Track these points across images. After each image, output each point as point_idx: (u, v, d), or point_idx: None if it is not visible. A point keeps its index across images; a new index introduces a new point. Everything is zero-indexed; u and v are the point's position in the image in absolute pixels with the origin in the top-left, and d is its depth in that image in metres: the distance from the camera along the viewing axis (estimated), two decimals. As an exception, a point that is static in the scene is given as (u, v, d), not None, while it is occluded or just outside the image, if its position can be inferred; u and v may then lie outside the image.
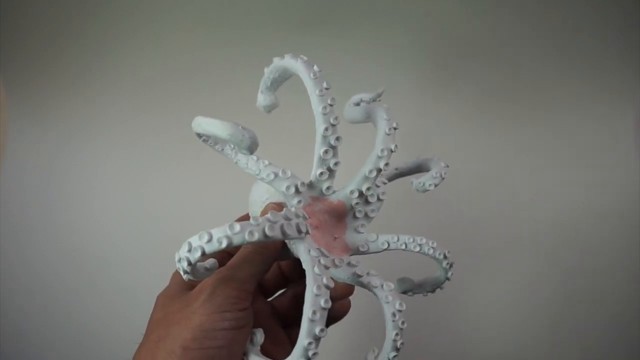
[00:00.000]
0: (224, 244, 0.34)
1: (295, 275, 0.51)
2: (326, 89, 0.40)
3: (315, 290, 0.35)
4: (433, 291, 0.49)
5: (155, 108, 0.85)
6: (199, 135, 0.42)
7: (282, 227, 0.36)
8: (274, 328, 0.49)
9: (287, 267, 0.51)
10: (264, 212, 0.44)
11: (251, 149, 0.38)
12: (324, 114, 0.40)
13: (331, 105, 0.40)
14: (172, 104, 0.85)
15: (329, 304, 0.36)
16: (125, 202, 0.85)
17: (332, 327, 0.52)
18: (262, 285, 0.51)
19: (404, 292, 0.49)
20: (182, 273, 0.36)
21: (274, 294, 0.52)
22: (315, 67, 0.41)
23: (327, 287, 0.36)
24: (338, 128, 0.41)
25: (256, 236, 0.34)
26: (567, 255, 0.82)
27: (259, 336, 0.40)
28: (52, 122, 0.85)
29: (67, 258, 0.83)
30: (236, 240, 0.34)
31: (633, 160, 0.82)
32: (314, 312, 0.35)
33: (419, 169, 0.50)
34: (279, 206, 0.44)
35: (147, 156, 0.85)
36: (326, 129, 0.40)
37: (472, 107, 0.84)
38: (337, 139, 0.41)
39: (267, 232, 0.35)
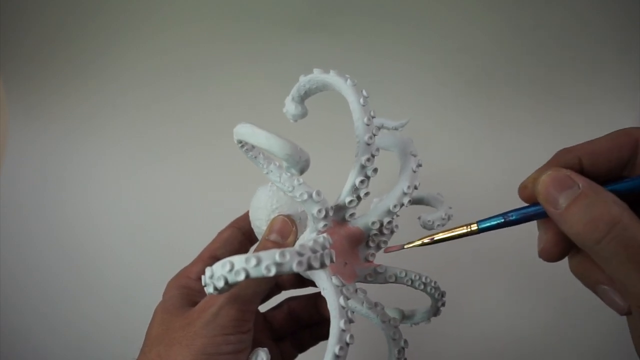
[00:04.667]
0: (272, 272, 0.32)
1: (286, 284, 0.51)
2: (373, 117, 0.39)
3: (342, 326, 0.35)
4: (417, 324, 0.50)
5: (154, 107, 0.84)
6: (240, 142, 0.40)
7: (309, 261, 0.34)
8: (265, 342, 0.48)
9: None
10: (272, 224, 0.43)
11: (303, 170, 0.37)
12: (368, 144, 0.39)
13: (375, 135, 0.39)
14: (170, 103, 0.84)
15: (353, 340, 0.35)
16: (125, 200, 0.83)
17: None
18: None
19: None
20: (210, 289, 0.34)
21: (263, 302, 0.52)
22: (364, 92, 0.40)
23: (351, 321, 0.36)
24: (376, 159, 0.40)
25: (304, 267, 0.33)
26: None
27: (264, 356, 0.39)
28: (51, 121, 0.83)
29: (67, 257, 0.81)
30: (285, 269, 0.32)
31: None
32: (341, 348, 0.35)
33: (420, 202, 0.51)
34: (290, 219, 0.43)
35: (146, 155, 0.83)
36: (368, 160, 0.39)
37: (470, 108, 0.84)
38: (374, 170, 0.40)
39: (313, 263, 0.34)
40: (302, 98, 0.43)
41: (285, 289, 0.52)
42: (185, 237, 0.79)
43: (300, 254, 0.33)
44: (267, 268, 0.32)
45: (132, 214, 0.83)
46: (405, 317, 0.49)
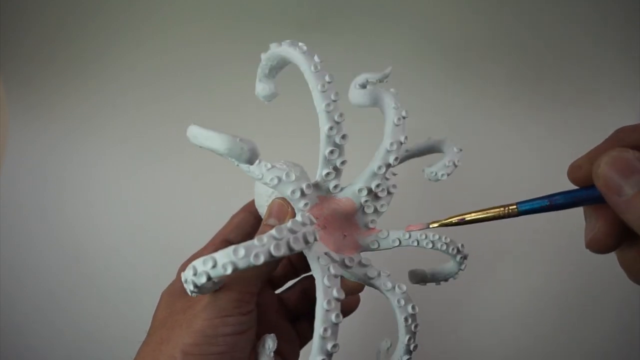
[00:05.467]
0: (229, 270, 0.32)
1: (304, 265, 0.50)
2: (329, 82, 0.38)
3: (325, 306, 0.35)
4: (446, 280, 0.48)
5: (154, 107, 0.84)
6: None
7: (288, 243, 0.34)
8: (280, 323, 0.48)
9: (296, 256, 0.50)
10: (270, 208, 0.43)
11: (251, 161, 0.34)
12: (328, 112, 0.38)
13: (335, 101, 0.38)
14: (170, 103, 0.83)
15: (341, 319, 0.35)
16: (125, 200, 0.83)
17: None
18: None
19: (417, 284, 0.48)
20: (189, 292, 0.35)
21: (282, 285, 0.51)
22: (316, 58, 0.39)
23: (337, 300, 0.35)
24: (343, 125, 0.39)
25: (262, 259, 0.32)
26: (569, 255, 0.79)
27: (271, 342, 0.38)
28: (51, 121, 0.83)
29: (67, 257, 0.81)
30: (241, 265, 0.32)
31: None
32: (325, 329, 0.34)
33: (431, 150, 0.49)
34: (285, 202, 0.42)
35: (146, 155, 0.83)
36: (331, 128, 0.38)
37: (470, 107, 0.84)
38: (343, 137, 0.39)
39: (274, 252, 0.33)
40: (268, 77, 0.43)
41: (303, 272, 0.52)
42: (185, 237, 0.79)
43: (258, 247, 0.33)
44: (224, 267, 0.32)
45: (132, 214, 0.82)
46: (430, 276, 0.48)
